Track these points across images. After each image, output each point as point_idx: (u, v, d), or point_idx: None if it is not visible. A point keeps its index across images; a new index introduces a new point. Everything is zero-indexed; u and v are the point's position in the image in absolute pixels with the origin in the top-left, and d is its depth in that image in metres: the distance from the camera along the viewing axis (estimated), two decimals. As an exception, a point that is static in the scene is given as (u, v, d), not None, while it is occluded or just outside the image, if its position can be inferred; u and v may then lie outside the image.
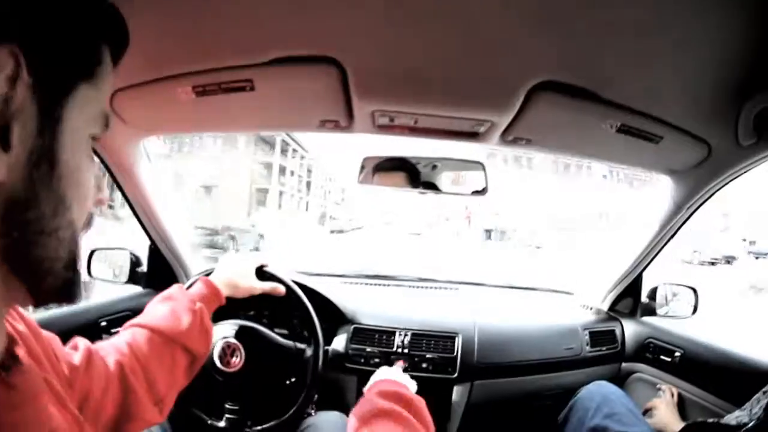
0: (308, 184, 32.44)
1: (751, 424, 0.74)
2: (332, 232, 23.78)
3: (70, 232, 0.33)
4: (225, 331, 0.94)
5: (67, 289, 0.35)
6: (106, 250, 1.18)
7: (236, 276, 0.89)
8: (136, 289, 1.18)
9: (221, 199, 21.90)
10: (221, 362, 0.92)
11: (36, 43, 0.28)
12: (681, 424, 1.00)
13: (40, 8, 0.29)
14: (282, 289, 0.97)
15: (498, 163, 28.76)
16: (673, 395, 1.16)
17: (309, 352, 0.98)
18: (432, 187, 1.08)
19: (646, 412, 1.13)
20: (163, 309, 0.71)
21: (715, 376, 1.09)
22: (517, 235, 27.01)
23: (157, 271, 1.19)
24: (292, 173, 28.49)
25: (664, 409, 1.11)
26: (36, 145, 0.29)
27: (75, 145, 0.32)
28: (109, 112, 0.36)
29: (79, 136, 0.33)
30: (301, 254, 10.68)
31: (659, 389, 1.20)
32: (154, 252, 1.19)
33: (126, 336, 0.66)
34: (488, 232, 29.02)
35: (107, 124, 0.37)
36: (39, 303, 0.34)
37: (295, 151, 27.98)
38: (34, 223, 0.30)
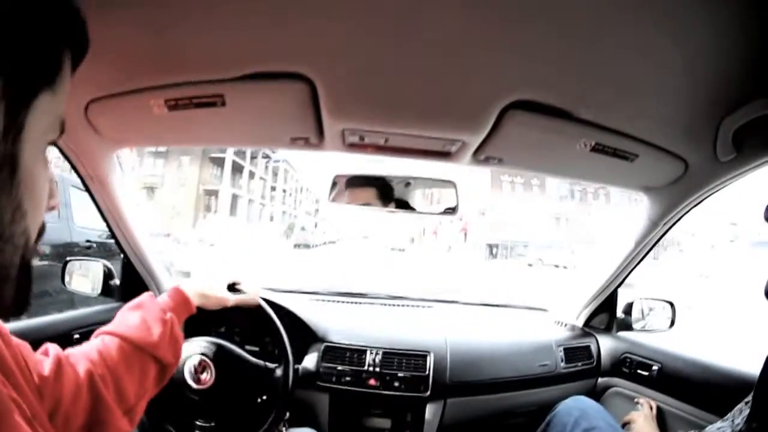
0: (273, 188, 31.96)
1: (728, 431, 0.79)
2: (296, 246, 22.54)
3: (24, 240, 0.35)
4: (196, 348, 1.03)
5: (20, 298, 0.37)
6: (80, 260, 1.26)
7: (207, 287, 0.94)
8: (110, 302, 1.26)
9: (165, 203, 21.11)
10: (192, 379, 1.01)
11: (3, 47, 0.31)
12: None
13: (7, 12, 0.31)
14: (254, 301, 1.05)
15: (504, 182, 27.93)
16: (651, 408, 1.27)
17: (279, 371, 1.07)
18: (405, 205, 1.18)
19: (624, 425, 1.25)
20: (134, 317, 0.76)
21: (695, 388, 1.19)
22: (528, 251, 25.41)
23: (131, 285, 1.26)
24: (252, 175, 27.32)
25: (642, 422, 1.22)
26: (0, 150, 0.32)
27: (34, 151, 0.35)
28: (63, 118, 0.39)
29: (38, 143, 0.35)
30: (258, 271, 10.50)
31: (637, 402, 1.32)
32: (127, 265, 1.27)
33: (96, 343, 0.70)
34: (492, 247, 27.11)
35: (63, 129, 0.39)
36: None
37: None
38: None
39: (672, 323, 1.43)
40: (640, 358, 1.37)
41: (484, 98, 0.75)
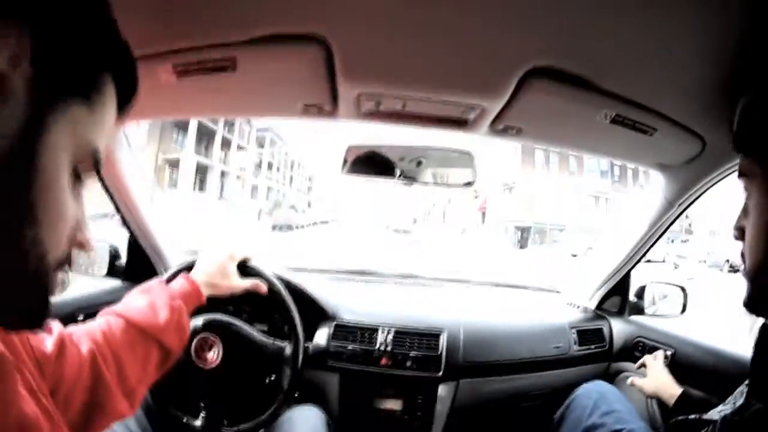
0: (258, 161, 31.62)
1: (729, 412, 0.87)
2: (274, 228, 21.93)
3: (36, 251, 0.37)
4: (204, 324, 1.17)
5: (28, 315, 0.40)
6: None
7: (218, 275, 1.08)
8: (116, 283, 1.44)
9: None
10: (198, 358, 1.15)
11: (45, 36, 0.35)
12: (678, 387, 1.25)
13: (58, 4, 0.36)
14: (264, 288, 1.18)
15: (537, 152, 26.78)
16: (667, 357, 1.42)
17: (289, 349, 1.21)
18: (423, 177, 1.33)
19: (639, 368, 1.44)
20: (142, 301, 0.86)
21: (708, 374, 1.32)
22: (565, 236, 23.79)
23: (137, 264, 1.45)
24: (227, 143, 26.23)
25: (661, 367, 1.35)
26: (18, 137, 0.34)
27: (56, 160, 0.38)
28: (98, 151, 0.43)
29: (62, 154, 0.38)
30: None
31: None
32: (134, 245, 1.45)
33: (101, 323, 0.79)
34: (522, 231, 25.46)
35: (97, 164, 0.43)
36: None
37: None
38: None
39: (684, 308, 1.60)
40: (653, 343, 1.53)
41: (504, 63, 0.82)
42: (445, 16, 0.72)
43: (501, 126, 1.06)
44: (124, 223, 1.39)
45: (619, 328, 1.67)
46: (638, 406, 1.40)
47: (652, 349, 1.51)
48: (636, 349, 1.59)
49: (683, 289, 1.63)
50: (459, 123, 1.08)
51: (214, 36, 0.79)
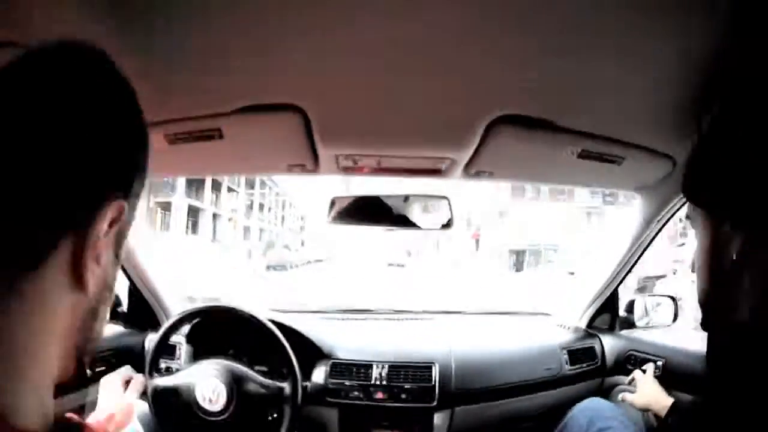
0: (252, 205, 31.77)
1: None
2: (269, 268, 22.03)
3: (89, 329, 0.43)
4: (208, 371, 1.27)
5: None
6: None
7: (114, 412, 1.09)
8: (118, 328, 1.52)
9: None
10: (205, 402, 1.24)
11: (132, 192, 0.41)
12: (669, 398, 1.30)
13: (138, 163, 0.42)
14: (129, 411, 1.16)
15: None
16: (658, 368, 1.46)
17: (288, 389, 1.30)
18: (403, 221, 1.41)
19: (630, 383, 1.49)
20: None
21: (699, 380, 1.34)
22: (559, 256, 23.61)
23: (137, 311, 1.52)
24: (217, 185, 26.53)
25: (650, 381, 1.40)
26: (112, 263, 0.42)
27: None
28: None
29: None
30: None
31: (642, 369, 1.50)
32: (133, 291, 1.52)
33: None
34: (517, 255, 25.56)
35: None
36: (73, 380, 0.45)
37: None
38: (99, 324, 0.43)
39: (675, 317, 1.68)
40: (645, 355, 1.58)
41: (468, 117, 0.90)
42: (410, 82, 0.79)
43: (473, 171, 1.14)
44: (124, 271, 1.46)
45: (610, 344, 1.73)
46: (637, 417, 1.45)
47: (644, 361, 1.57)
48: (629, 362, 1.64)
49: (673, 299, 1.71)
50: (433, 172, 1.16)
51: (200, 109, 0.88)
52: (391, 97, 0.84)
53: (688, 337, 1.57)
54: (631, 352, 1.65)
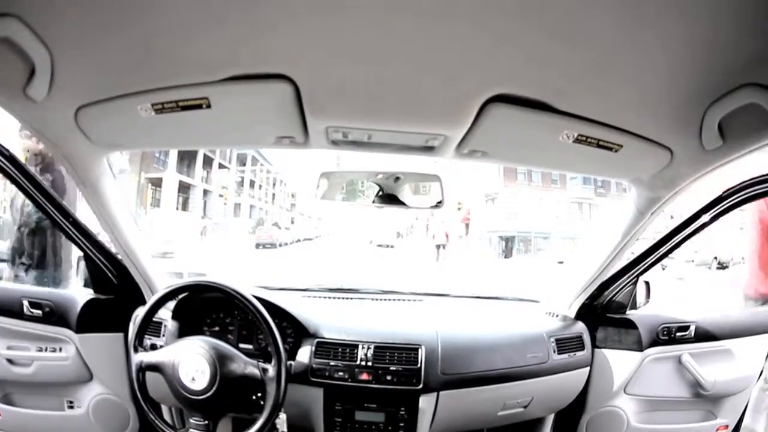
0: (242, 182, 31.63)
1: None
2: (258, 246, 22.15)
3: None
4: (192, 348, 1.24)
5: None
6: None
7: None
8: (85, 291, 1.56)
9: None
10: (188, 380, 1.22)
11: None
12: None
13: None
14: None
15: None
16: None
17: (272, 368, 1.28)
18: (394, 200, 1.40)
19: None
20: None
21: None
22: (549, 244, 23.49)
23: (125, 287, 1.53)
24: (209, 161, 26.50)
25: None
26: None
27: None
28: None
29: None
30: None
31: None
32: (121, 267, 1.53)
33: None
34: (507, 241, 25.01)
35: None
36: None
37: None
38: None
39: (648, 297, 1.78)
40: (677, 324, 1.69)
41: (464, 93, 0.88)
42: (404, 51, 0.77)
43: (466, 150, 1.11)
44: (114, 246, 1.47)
45: (642, 323, 1.75)
46: None
47: (678, 330, 1.69)
48: (663, 333, 1.71)
49: (646, 283, 1.78)
50: (425, 149, 1.13)
51: (188, 77, 0.86)
52: (384, 69, 0.82)
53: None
54: (664, 325, 1.72)
